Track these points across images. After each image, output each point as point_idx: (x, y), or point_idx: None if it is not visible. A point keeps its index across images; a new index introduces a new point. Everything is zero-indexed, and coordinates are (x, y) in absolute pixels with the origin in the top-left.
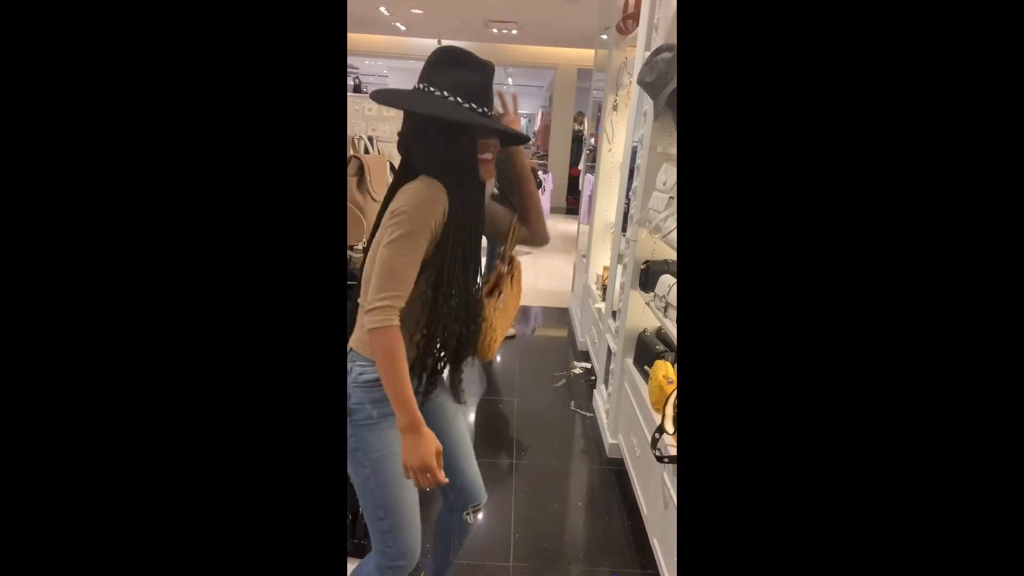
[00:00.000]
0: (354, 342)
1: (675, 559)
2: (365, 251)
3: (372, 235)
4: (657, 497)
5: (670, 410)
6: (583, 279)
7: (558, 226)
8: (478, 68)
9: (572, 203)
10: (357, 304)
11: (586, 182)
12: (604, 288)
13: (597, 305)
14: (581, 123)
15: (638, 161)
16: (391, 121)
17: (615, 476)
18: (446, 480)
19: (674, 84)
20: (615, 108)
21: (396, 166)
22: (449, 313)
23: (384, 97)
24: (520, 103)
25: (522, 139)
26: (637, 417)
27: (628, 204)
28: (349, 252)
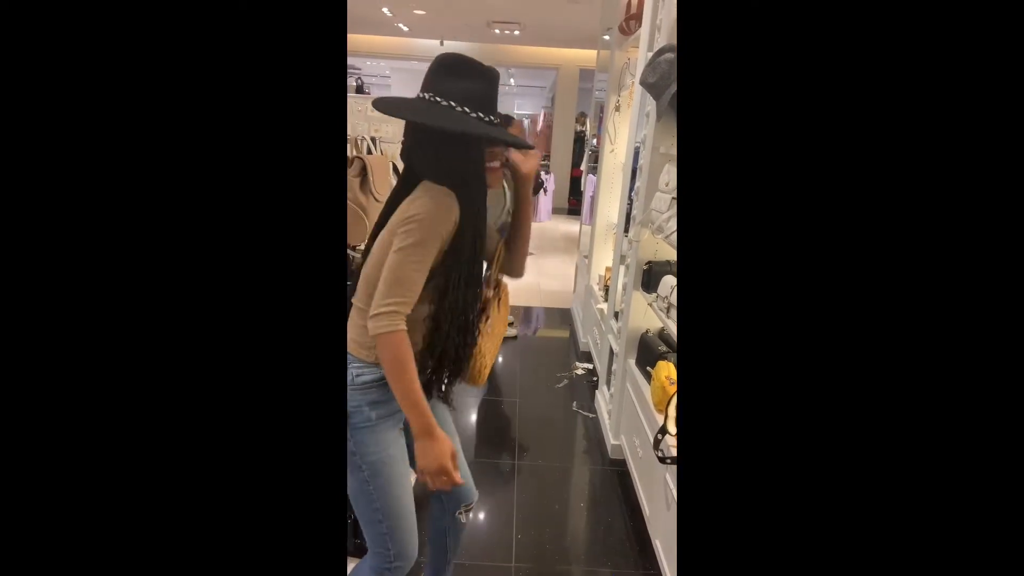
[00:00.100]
0: (349, 344)
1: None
2: (365, 252)
3: (373, 236)
4: (659, 498)
5: (672, 411)
6: (585, 280)
7: (560, 227)
8: (484, 76)
9: (574, 204)
10: (351, 304)
11: (588, 183)
12: (606, 289)
13: (599, 306)
14: (583, 124)
15: (640, 162)
16: (394, 122)
17: (617, 477)
18: (461, 481)
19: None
20: (617, 109)
21: (399, 167)
22: (455, 321)
23: (390, 107)
24: (522, 104)
25: (527, 147)
26: (639, 418)
27: (630, 205)
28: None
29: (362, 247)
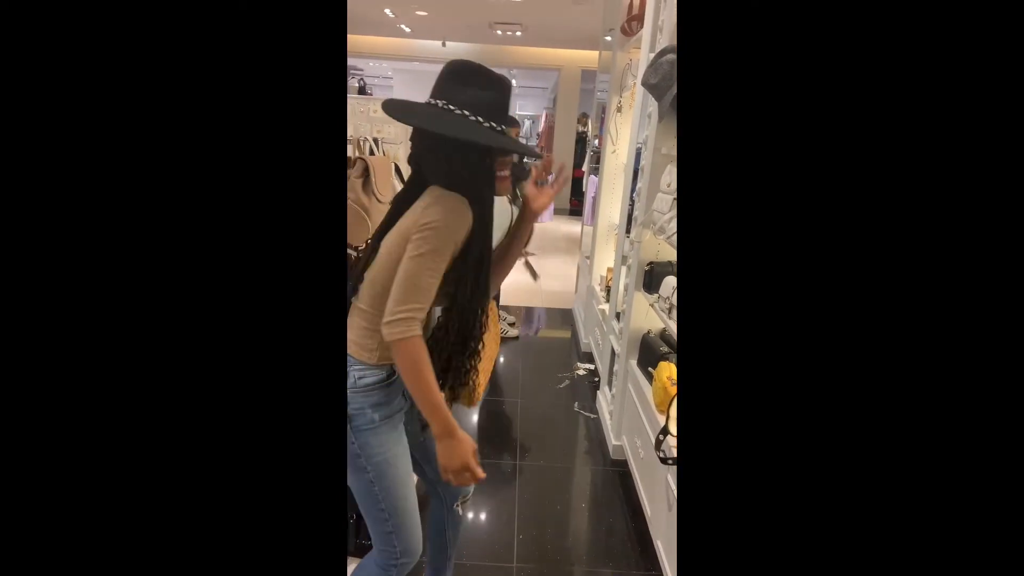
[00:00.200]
0: (350, 346)
1: None
2: (368, 253)
3: (376, 238)
4: (661, 499)
5: (674, 412)
6: (587, 280)
7: (562, 227)
8: (496, 85)
9: (576, 204)
10: (350, 304)
11: (590, 183)
12: (608, 289)
13: (601, 306)
14: (585, 125)
15: (642, 163)
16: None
17: (619, 478)
18: (484, 475)
19: None
20: (619, 110)
21: (401, 168)
22: (461, 328)
23: (401, 112)
24: (524, 104)
25: (538, 156)
26: (641, 419)
27: (632, 205)
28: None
29: (363, 247)
